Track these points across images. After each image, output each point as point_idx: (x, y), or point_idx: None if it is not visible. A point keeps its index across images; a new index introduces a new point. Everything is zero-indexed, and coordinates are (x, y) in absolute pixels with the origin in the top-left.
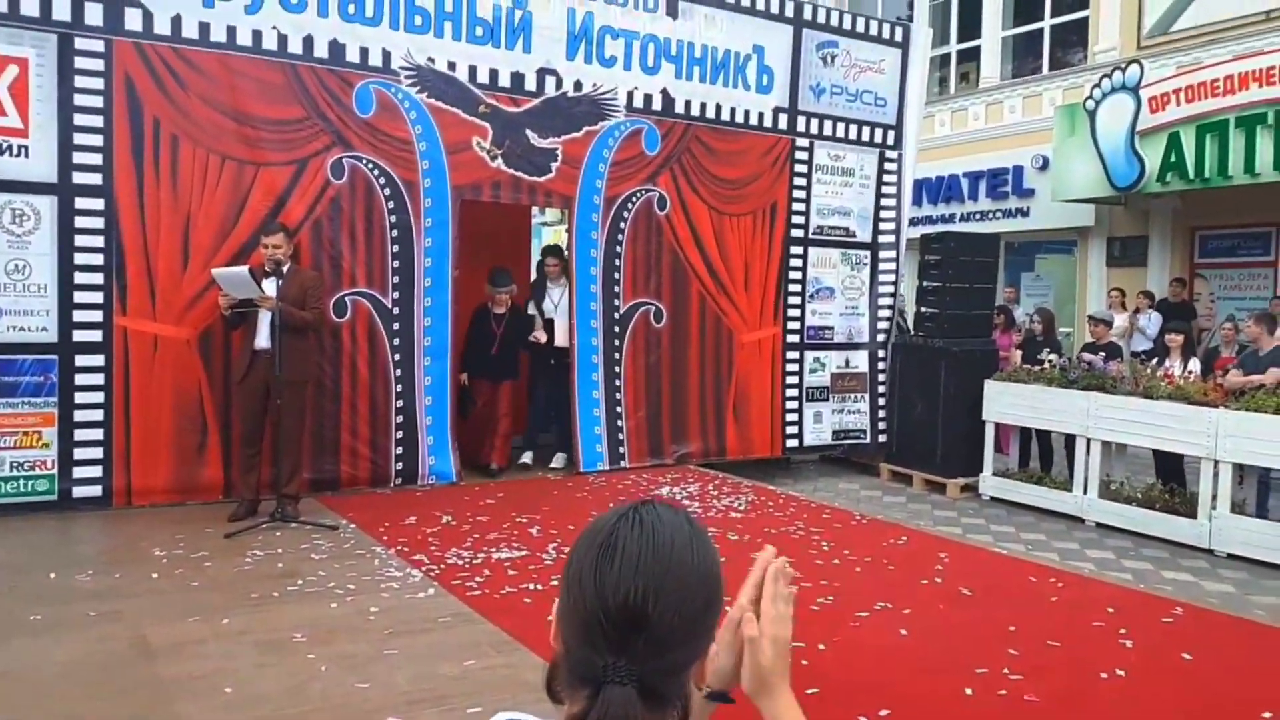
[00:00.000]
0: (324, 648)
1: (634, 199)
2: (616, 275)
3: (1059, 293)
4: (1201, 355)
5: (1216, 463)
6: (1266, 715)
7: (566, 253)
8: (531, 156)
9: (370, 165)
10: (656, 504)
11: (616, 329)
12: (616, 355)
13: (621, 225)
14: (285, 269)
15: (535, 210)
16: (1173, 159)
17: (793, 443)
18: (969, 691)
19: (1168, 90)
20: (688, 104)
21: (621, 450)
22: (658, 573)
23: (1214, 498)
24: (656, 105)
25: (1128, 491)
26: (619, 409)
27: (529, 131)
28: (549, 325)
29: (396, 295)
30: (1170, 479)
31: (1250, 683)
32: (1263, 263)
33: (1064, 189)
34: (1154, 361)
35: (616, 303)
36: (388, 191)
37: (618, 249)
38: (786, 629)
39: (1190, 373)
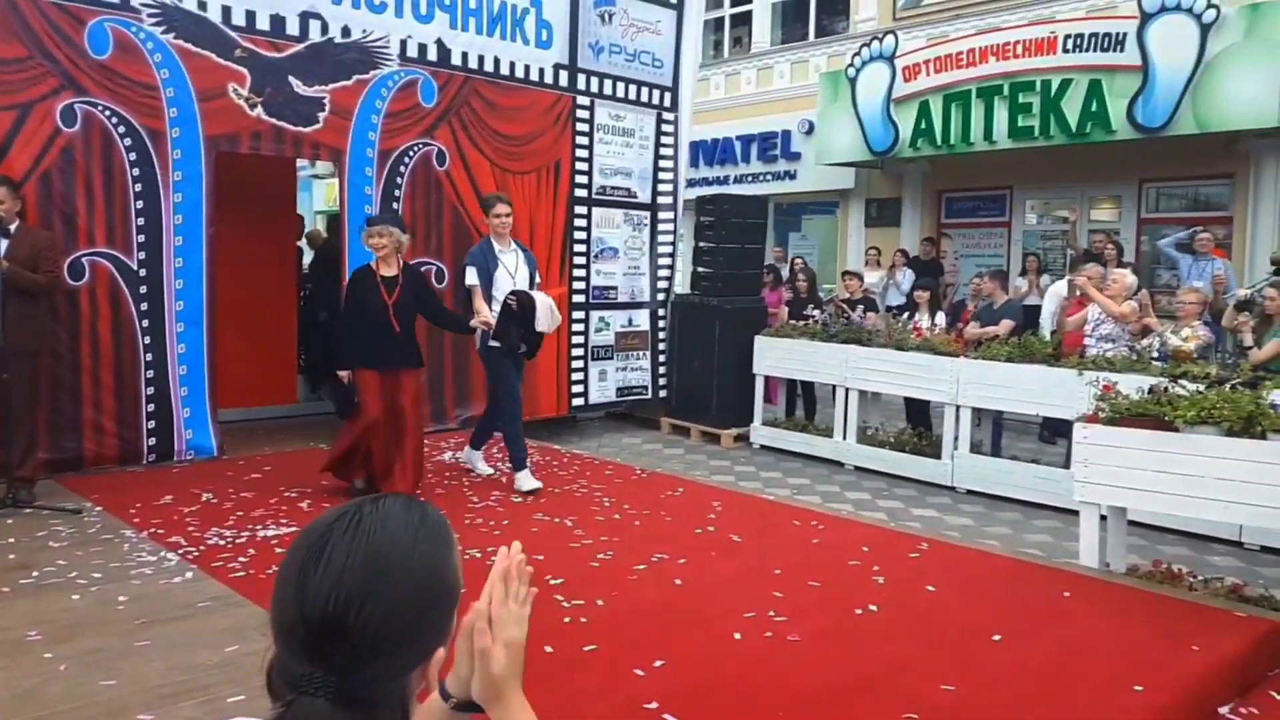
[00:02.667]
0: (64, 645)
1: (411, 153)
2: None
3: (823, 251)
4: (947, 309)
5: (958, 407)
6: (996, 637)
7: (338, 208)
8: (296, 105)
9: (108, 112)
10: (388, 500)
11: None
12: None
13: (398, 180)
14: (13, 227)
15: (305, 163)
16: (923, 126)
17: (579, 401)
18: (738, 636)
19: (919, 61)
20: (465, 56)
21: None
22: (365, 578)
23: (955, 439)
24: (432, 55)
25: (882, 436)
26: None
27: (292, 79)
28: (522, 307)
29: (143, 256)
30: (919, 424)
31: (983, 608)
32: (999, 223)
33: (827, 153)
34: (905, 316)
35: None
36: (129, 141)
37: (395, 205)
38: (521, 631)
39: (936, 326)
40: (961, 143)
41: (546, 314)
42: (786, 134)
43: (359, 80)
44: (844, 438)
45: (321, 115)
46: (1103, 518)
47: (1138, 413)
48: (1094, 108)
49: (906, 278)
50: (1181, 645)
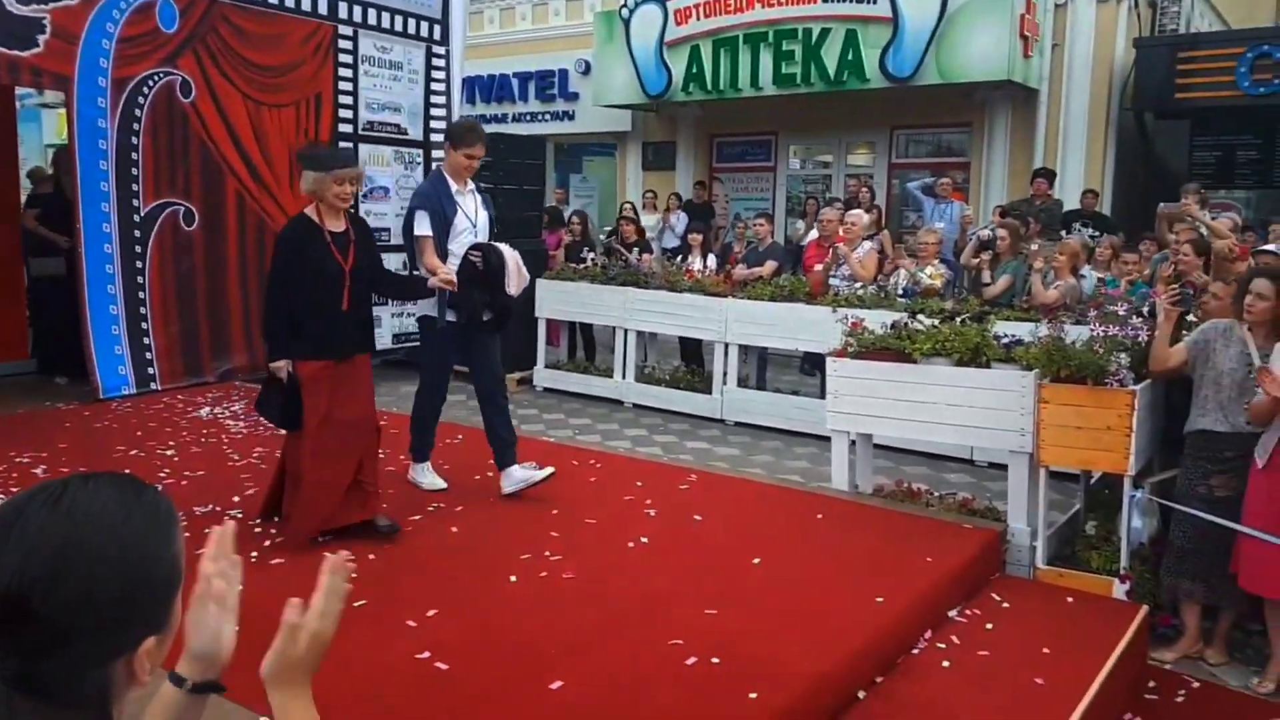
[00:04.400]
0: None
1: (151, 82)
2: (134, 171)
3: (603, 194)
4: (718, 252)
5: (726, 345)
6: (756, 560)
7: (68, 142)
8: (10, 26)
9: None
10: (103, 478)
11: (137, 234)
12: (139, 264)
13: (137, 113)
14: None
15: (31, 91)
16: (694, 70)
17: None
18: (513, 579)
19: (690, 5)
20: None
21: (151, 371)
22: (55, 559)
23: (724, 375)
24: None
25: (658, 374)
26: (144, 325)
27: None
28: (488, 265)
29: None
30: (692, 361)
31: (745, 534)
32: (765, 167)
33: (603, 94)
34: (679, 258)
35: (136, 203)
36: None
37: (134, 140)
38: (331, 628)
39: (708, 268)
40: (730, 88)
41: (516, 272)
42: (564, 73)
43: (84, 1)
44: (623, 377)
45: (41, 38)
46: (853, 443)
47: (880, 346)
48: (850, 57)
49: (680, 221)
50: (918, 557)
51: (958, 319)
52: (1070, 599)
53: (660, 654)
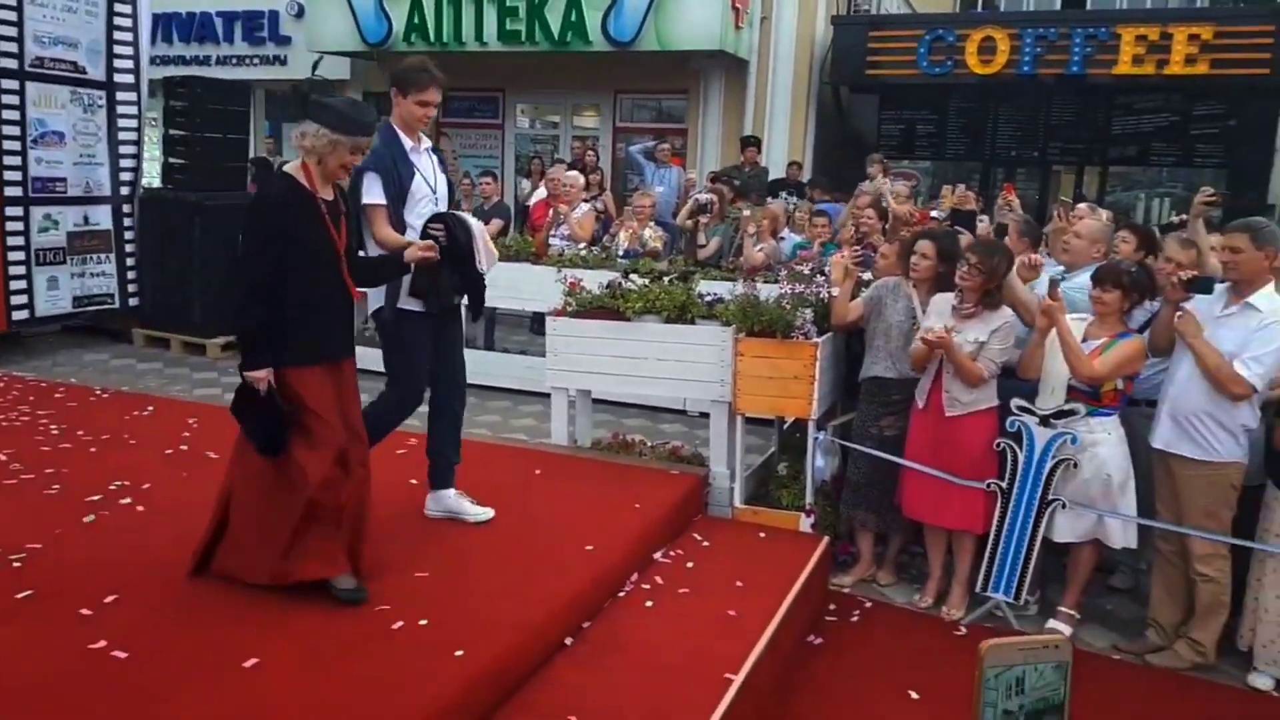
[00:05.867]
0: None
1: None
2: None
3: None
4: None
5: None
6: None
7: None
8: None
9: None
10: None
11: None
12: None
13: None
14: None
15: None
16: (416, 21)
17: (22, 314)
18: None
19: None
20: None
21: None
22: None
23: None
24: None
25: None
26: None
27: None
28: (453, 240)
29: None
30: None
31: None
32: (493, 124)
33: (317, 40)
34: None
35: None
36: None
37: None
38: None
39: None
40: (454, 41)
41: (485, 245)
42: (274, 14)
43: None
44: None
45: None
46: (574, 400)
47: (596, 305)
48: (573, 18)
49: None
50: (627, 505)
51: (666, 279)
52: (762, 534)
53: (365, 621)
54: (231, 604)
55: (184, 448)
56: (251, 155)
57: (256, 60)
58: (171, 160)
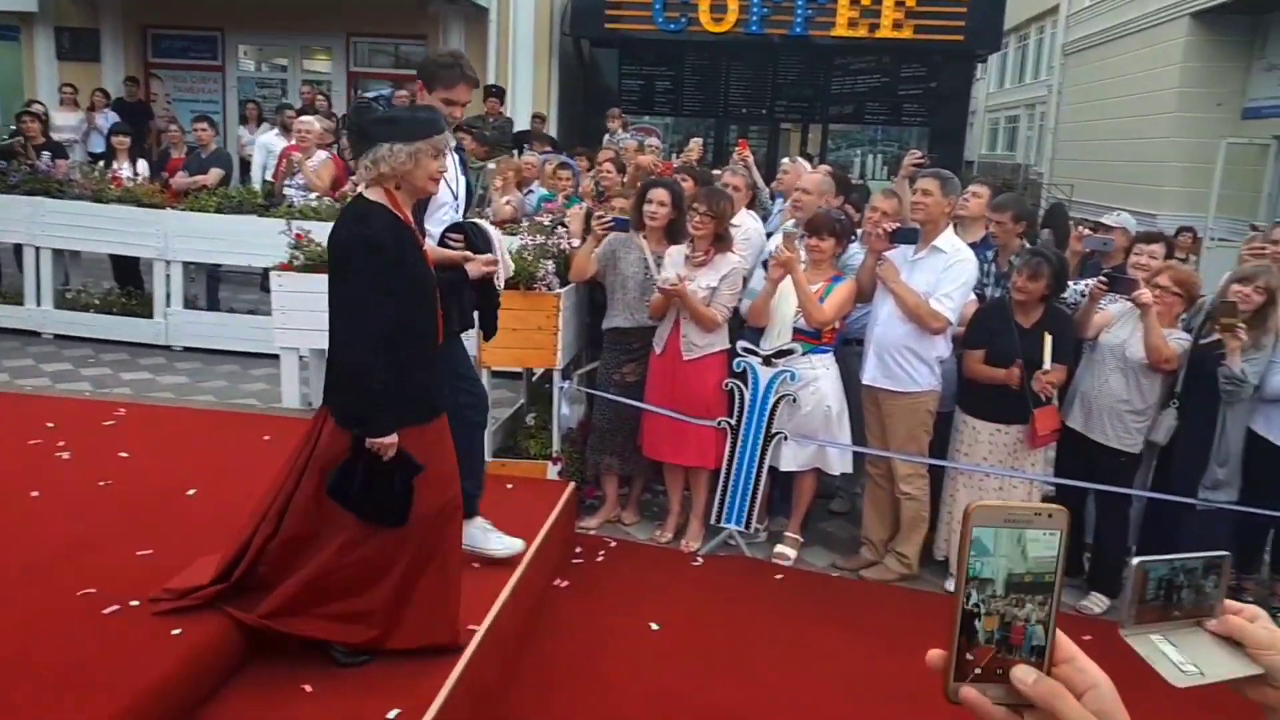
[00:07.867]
0: None
1: None
2: None
3: (5, 85)
4: (156, 158)
5: (169, 262)
6: (191, 492)
7: None
8: None
9: None
10: None
11: None
12: None
13: None
14: None
15: None
16: None
17: None
18: None
19: None
20: None
21: None
22: None
23: (168, 296)
24: None
25: (86, 299)
26: None
27: None
28: (478, 251)
29: None
30: (129, 282)
31: (183, 467)
32: (212, 66)
33: None
34: (102, 164)
35: None
36: None
37: None
38: None
39: (139, 175)
40: None
41: (503, 258)
42: None
43: None
44: (38, 304)
45: None
46: (305, 360)
47: (325, 260)
48: None
49: (109, 121)
50: None
51: None
52: (510, 485)
53: (75, 606)
54: None
55: None
56: None
57: None
58: None
